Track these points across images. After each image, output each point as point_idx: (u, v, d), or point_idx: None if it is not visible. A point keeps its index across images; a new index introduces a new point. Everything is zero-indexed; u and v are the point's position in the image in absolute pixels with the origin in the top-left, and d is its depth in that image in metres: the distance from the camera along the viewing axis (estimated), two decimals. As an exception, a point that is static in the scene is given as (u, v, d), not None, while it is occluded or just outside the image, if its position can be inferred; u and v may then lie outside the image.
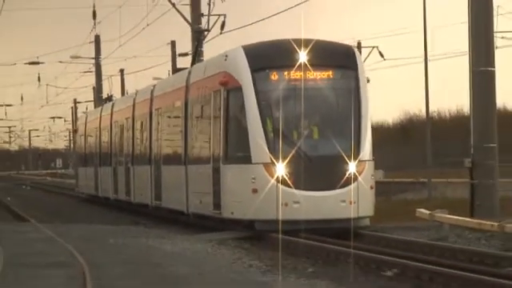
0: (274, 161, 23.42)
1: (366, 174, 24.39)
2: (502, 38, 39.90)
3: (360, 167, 23.96)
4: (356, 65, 25.32)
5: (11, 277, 19.18)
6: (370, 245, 24.64)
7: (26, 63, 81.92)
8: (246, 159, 24.22)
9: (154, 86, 41.01)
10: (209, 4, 41.42)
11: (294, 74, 24.45)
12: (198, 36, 39.15)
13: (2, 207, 51.86)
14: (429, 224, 26.24)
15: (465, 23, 29.02)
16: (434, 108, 75.55)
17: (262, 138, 23.89)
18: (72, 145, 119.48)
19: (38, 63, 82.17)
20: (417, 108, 76.25)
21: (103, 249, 25.30)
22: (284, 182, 23.39)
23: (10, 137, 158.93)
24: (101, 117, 55.07)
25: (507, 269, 19.19)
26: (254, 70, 24.60)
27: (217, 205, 26.22)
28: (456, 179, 41.83)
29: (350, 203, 23.74)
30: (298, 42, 24.83)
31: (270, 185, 23.40)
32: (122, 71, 79.12)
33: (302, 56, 24.08)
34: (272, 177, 23.50)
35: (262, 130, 23.97)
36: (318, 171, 23.84)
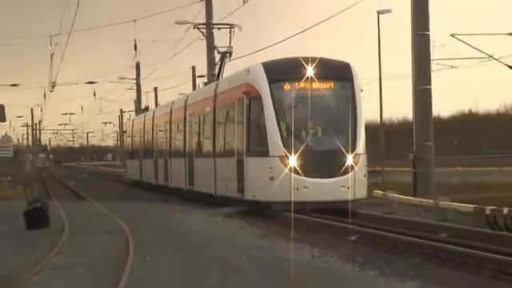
0: (287, 154, 22.84)
1: (361, 165, 24.02)
2: (437, 64, 39.18)
3: (356, 159, 23.55)
4: (352, 77, 24.81)
5: (74, 241, 19.70)
6: (340, 217, 24.08)
7: (85, 82, 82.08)
8: (265, 153, 23.66)
9: (188, 96, 40.04)
10: (230, 32, 38.18)
11: (303, 85, 23.81)
12: (223, 57, 36.92)
13: (67, 189, 51.37)
14: (382, 201, 25.61)
15: (410, 53, 28.36)
16: (386, 116, 74.25)
17: (278, 136, 23.41)
18: (119, 143, 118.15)
19: (94, 82, 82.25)
20: (373, 116, 75.33)
21: (142, 220, 26.19)
22: (295, 171, 22.73)
23: (73, 137, 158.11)
24: (144, 121, 53.26)
25: (441, 234, 20.01)
26: (271, 81, 24.08)
27: (240, 189, 25.38)
28: (403, 168, 41.51)
29: (348, 188, 23.22)
30: (306, 59, 24.24)
31: (284, 173, 22.74)
32: (155, 89, 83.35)
33: (309, 70, 23.49)
34: (285, 167, 22.83)
35: (277, 129, 23.53)
36: (322, 162, 23.32)
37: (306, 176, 23.12)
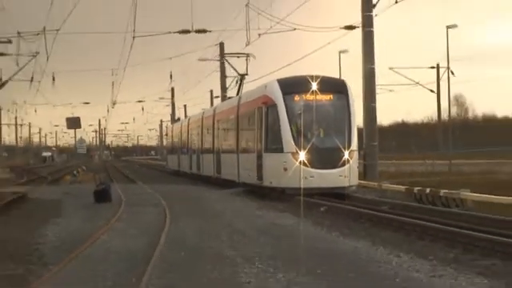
0: (298, 151, 22.01)
1: (354, 159, 23.10)
2: (380, 88, 39.08)
3: (351, 154, 22.58)
4: (347, 91, 23.69)
5: (128, 210, 19.65)
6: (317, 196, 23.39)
7: (136, 101, 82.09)
8: (280, 150, 22.72)
9: (215, 107, 38.77)
10: (246, 60, 36.27)
11: (309, 97, 22.85)
12: (241, 78, 35.51)
13: (123, 176, 51.09)
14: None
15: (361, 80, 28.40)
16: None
17: (290, 136, 22.44)
18: (159, 143, 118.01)
19: (142, 101, 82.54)
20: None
21: (176, 197, 25.68)
22: (304, 164, 21.88)
23: (128, 139, 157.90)
24: (181, 126, 51.51)
25: (382, 207, 19.84)
26: (284, 94, 23.09)
27: (260, 177, 24.44)
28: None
29: (345, 177, 22.41)
30: (311, 76, 23.23)
31: (295, 166, 21.88)
32: (185, 106, 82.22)
33: (313, 85, 22.68)
34: (296, 161, 21.97)
35: (290, 131, 22.52)
36: (325, 157, 22.30)
37: (312, 168, 22.23)
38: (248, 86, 40.31)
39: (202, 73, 78.43)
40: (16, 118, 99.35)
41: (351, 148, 22.87)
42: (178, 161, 51.99)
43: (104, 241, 14.50)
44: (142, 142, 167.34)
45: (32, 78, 36.91)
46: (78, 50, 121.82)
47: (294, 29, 30.09)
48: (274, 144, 23.66)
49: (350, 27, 28.06)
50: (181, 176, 47.82)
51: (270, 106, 23.77)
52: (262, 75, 52.63)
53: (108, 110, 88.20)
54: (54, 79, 43.46)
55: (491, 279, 9.63)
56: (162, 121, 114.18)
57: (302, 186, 21.34)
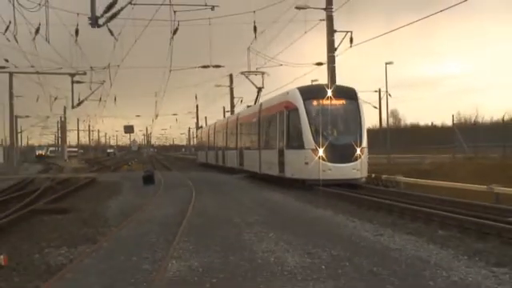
0: (317, 147, 18.95)
1: (365, 154, 19.73)
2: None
3: (362, 151, 19.41)
4: (357, 97, 20.48)
5: (166, 190, 19.79)
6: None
7: (171, 114, 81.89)
8: (301, 146, 19.53)
9: (238, 113, 33.73)
10: (262, 76, 31.98)
11: (325, 101, 19.74)
12: (259, 91, 31.25)
13: (163, 166, 51.07)
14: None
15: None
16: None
17: (310, 135, 19.21)
18: (188, 143, 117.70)
19: (175, 114, 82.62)
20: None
21: (200, 179, 25.67)
22: (322, 159, 18.88)
23: (166, 140, 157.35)
24: (209, 129, 46.76)
25: (342, 186, 18.56)
26: (304, 99, 19.95)
27: (281, 170, 21.17)
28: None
29: (358, 170, 19.33)
30: (326, 85, 20.62)
31: (315, 160, 18.95)
32: (205, 117, 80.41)
33: (329, 92, 19.72)
34: (316, 156, 18.97)
35: (309, 131, 19.32)
36: (341, 153, 19.20)
37: (330, 162, 19.04)
38: (248, 102, 40.53)
39: (218, 95, 78.55)
40: (89, 125, 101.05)
41: (362, 145, 19.74)
42: (205, 155, 47.55)
43: (149, 210, 14.47)
44: (176, 142, 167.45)
45: (100, 98, 37.44)
46: (132, 79, 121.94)
47: (281, 64, 29.99)
48: (295, 142, 20.36)
49: (319, 64, 27.91)
50: (207, 167, 44.36)
51: (292, 109, 20.48)
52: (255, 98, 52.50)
53: (153, 120, 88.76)
54: (115, 99, 43.88)
55: (417, 237, 9.61)
56: (189, 128, 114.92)
57: (320, 178, 18.87)
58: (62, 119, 76.38)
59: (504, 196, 14.22)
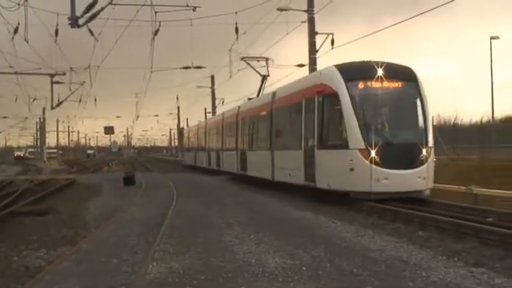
0: (368, 147, 13.80)
1: (432, 157, 14.51)
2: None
3: (428, 151, 14.25)
4: (417, 78, 15.03)
5: (147, 191, 18.92)
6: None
7: (153, 115, 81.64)
8: (344, 146, 14.27)
9: (239, 106, 26.90)
10: (266, 62, 26.83)
11: (374, 84, 14.46)
12: (263, 79, 26.37)
13: (143, 167, 50.75)
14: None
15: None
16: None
17: (357, 129, 13.98)
18: (171, 144, 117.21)
19: (157, 115, 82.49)
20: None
21: (181, 181, 25.29)
22: (376, 163, 13.74)
23: (147, 141, 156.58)
24: (198, 128, 40.76)
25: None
26: (346, 80, 14.51)
27: (310, 178, 15.72)
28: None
29: (424, 178, 14.11)
30: (374, 62, 14.82)
31: (364, 165, 13.80)
32: (187, 119, 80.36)
33: (379, 71, 14.37)
34: (366, 159, 13.79)
35: (356, 123, 14.04)
36: (401, 155, 14.09)
37: (386, 167, 13.85)
38: (230, 103, 40.16)
39: (199, 96, 78.27)
40: (69, 127, 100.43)
41: (429, 144, 14.58)
42: (194, 157, 41.61)
43: (129, 211, 14.38)
44: (157, 144, 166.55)
45: (80, 99, 37.25)
46: (113, 79, 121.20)
47: (262, 67, 30.00)
48: (333, 139, 15.16)
49: (301, 65, 27.96)
50: (195, 169, 39.98)
51: (329, 95, 15.06)
52: (240, 98, 52.05)
53: (133, 122, 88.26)
54: (95, 100, 43.72)
55: (397, 238, 9.67)
56: (171, 129, 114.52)
57: (372, 190, 13.84)
58: (41, 120, 75.65)
59: (482, 197, 14.39)
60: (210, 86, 51.83)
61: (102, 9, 16.92)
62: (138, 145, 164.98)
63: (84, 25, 17.43)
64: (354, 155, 14.03)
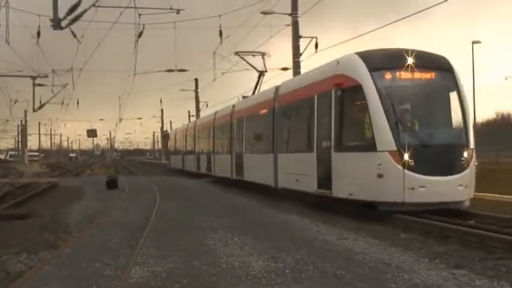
0: (400, 149, 11.53)
1: (474, 161, 12.29)
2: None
3: (469, 154, 12.05)
4: (452, 69, 12.78)
5: (130, 194, 18.84)
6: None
7: (137, 118, 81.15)
8: (370, 147, 11.91)
9: (234, 105, 24.62)
10: (262, 57, 25.07)
11: (405, 75, 12.22)
12: (260, 75, 24.69)
13: (127, 170, 50.45)
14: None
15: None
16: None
17: (387, 128, 11.70)
18: (154, 147, 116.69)
19: (140, 118, 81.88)
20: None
21: (165, 185, 25.15)
22: (410, 168, 11.44)
23: (130, 144, 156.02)
24: (186, 129, 38.18)
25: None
26: (372, 70, 12.28)
27: (325, 185, 13.48)
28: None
29: (465, 187, 11.90)
30: (403, 50, 12.48)
31: (395, 170, 11.49)
32: (170, 122, 79.64)
33: (409, 60, 12.08)
34: (398, 163, 11.49)
35: (386, 121, 11.76)
36: (439, 158, 11.81)
37: (423, 173, 11.52)
38: (215, 106, 39.88)
39: (183, 99, 78.09)
40: (51, 129, 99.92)
41: (470, 146, 12.38)
42: (182, 161, 39.14)
43: (112, 215, 14.29)
44: (140, 147, 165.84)
45: (63, 101, 37.12)
46: (95, 82, 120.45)
47: (247, 69, 30.04)
48: (356, 140, 12.82)
49: (285, 68, 28.09)
50: (182, 173, 38.34)
51: (350, 88, 12.75)
52: (222, 102, 52.09)
53: (116, 124, 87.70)
54: (78, 103, 43.50)
55: (380, 240, 9.70)
56: (154, 132, 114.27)
57: (405, 200, 11.60)
58: (23, 123, 74.98)
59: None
60: (193, 89, 51.90)
61: (85, 11, 16.85)
62: (121, 148, 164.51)
63: (67, 27, 17.32)
64: (383, 158, 11.70)
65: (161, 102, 75.34)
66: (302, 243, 9.48)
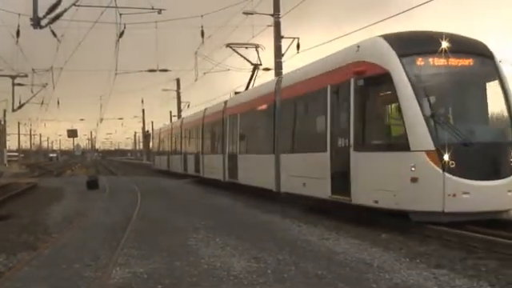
0: (439, 148, 9.51)
1: None
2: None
3: None
4: (493, 55, 10.80)
5: (111, 195, 18.73)
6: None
7: (118, 118, 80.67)
8: (402, 146, 9.81)
9: (226, 101, 22.34)
10: (256, 50, 23.46)
11: (439, 61, 10.13)
12: (254, 68, 23.04)
13: (108, 171, 50.07)
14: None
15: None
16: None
17: (422, 123, 9.66)
18: (135, 147, 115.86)
19: (121, 118, 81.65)
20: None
21: (147, 185, 25.02)
22: (451, 171, 9.43)
23: (111, 145, 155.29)
24: (172, 128, 35.82)
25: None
26: (401, 55, 10.21)
27: (342, 190, 11.46)
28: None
29: None
30: (434, 32, 10.58)
31: (434, 174, 9.49)
32: (152, 122, 78.87)
33: (444, 43, 10.03)
34: (436, 165, 9.47)
35: (421, 115, 9.73)
36: (484, 159, 9.81)
37: (467, 178, 9.68)
38: (197, 106, 39.66)
39: (164, 99, 77.83)
40: (30, 129, 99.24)
41: None
42: (167, 161, 36.77)
43: (93, 215, 14.21)
44: (121, 147, 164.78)
45: (42, 101, 36.79)
46: (76, 82, 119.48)
47: (228, 69, 29.99)
48: (382, 137, 10.86)
49: (267, 69, 28.13)
50: (167, 173, 36.23)
51: (375, 76, 10.74)
52: (204, 102, 51.71)
53: (97, 125, 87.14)
54: (58, 102, 43.17)
55: (361, 240, 9.75)
56: (135, 132, 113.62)
57: (444, 209, 9.71)
58: (2, 123, 74.07)
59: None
60: (175, 89, 51.75)
61: (66, 10, 16.69)
62: (102, 148, 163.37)
63: (46, 26, 17.15)
64: (418, 159, 9.78)
65: (142, 102, 75.22)
66: (284, 243, 9.49)
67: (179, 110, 51.16)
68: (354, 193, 11.29)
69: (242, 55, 24.17)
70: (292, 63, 31.61)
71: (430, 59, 10.42)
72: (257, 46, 23.70)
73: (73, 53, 24.52)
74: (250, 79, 23.56)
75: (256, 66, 23.63)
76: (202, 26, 23.53)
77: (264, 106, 17.38)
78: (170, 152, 36.52)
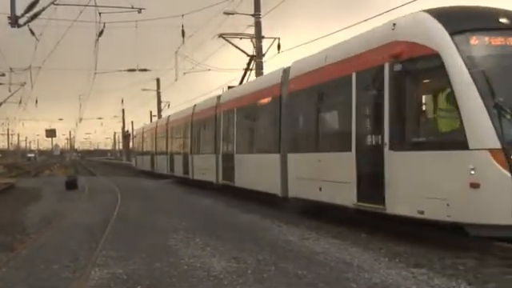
0: (506, 146, 7.22)
1: None
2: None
3: None
4: None
5: (90, 195, 18.56)
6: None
7: (97, 118, 79.82)
8: (456, 144, 7.53)
9: (219, 96, 19.95)
10: (251, 41, 22.57)
11: (497, 40, 7.92)
12: (250, 60, 21.95)
13: (87, 171, 49.66)
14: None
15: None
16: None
17: (485, 116, 7.36)
18: (115, 147, 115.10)
19: (101, 118, 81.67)
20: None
21: (126, 186, 24.87)
22: None
23: (91, 145, 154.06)
24: (157, 126, 33.61)
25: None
26: (453, 33, 7.92)
27: (371, 197, 9.38)
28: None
29: None
30: (486, 7, 8.51)
31: (501, 178, 7.14)
32: (132, 122, 78.63)
33: (502, 19, 8.08)
34: (503, 167, 7.11)
35: (482, 105, 7.40)
36: None
37: None
38: (177, 106, 39.52)
39: (144, 99, 77.51)
40: (8, 129, 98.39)
41: None
42: (151, 162, 34.10)
43: (71, 216, 14.10)
44: (100, 147, 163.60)
45: (20, 100, 36.51)
46: (54, 81, 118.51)
47: (209, 69, 29.95)
48: (431, 133, 8.58)
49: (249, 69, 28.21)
50: (151, 175, 33.97)
51: (419, 58, 8.53)
52: (184, 102, 51.51)
53: (76, 124, 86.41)
54: (36, 102, 42.80)
55: (341, 240, 9.79)
56: (115, 132, 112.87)
57: None
58: (-21, 122, 73.14)
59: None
60: (155, 88, 51.52)
61: (44, 8, 16.52)
62: (81, 148, 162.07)
63: (25, 24, 16.96)
64: (479, 160, 7.64)
65: (122, 101, 74.70)
66: (265, 244, 9.50)
67: (159, 110, 50.97)
68: (389, 201, 9.20)
69: (237, 46, 22.78)
70: (273, 62, 31.61)
71: (486, 38, 8.36)
72: (252, 37, 22.34)
73: (51, 52, 24.34)
74: (246, 71, 22.08)
75: (252, 57, 22.28)
76: (182, 26, 23.50)
77: (267, 100, 15.16)
78: (154, 152, 33.98)
